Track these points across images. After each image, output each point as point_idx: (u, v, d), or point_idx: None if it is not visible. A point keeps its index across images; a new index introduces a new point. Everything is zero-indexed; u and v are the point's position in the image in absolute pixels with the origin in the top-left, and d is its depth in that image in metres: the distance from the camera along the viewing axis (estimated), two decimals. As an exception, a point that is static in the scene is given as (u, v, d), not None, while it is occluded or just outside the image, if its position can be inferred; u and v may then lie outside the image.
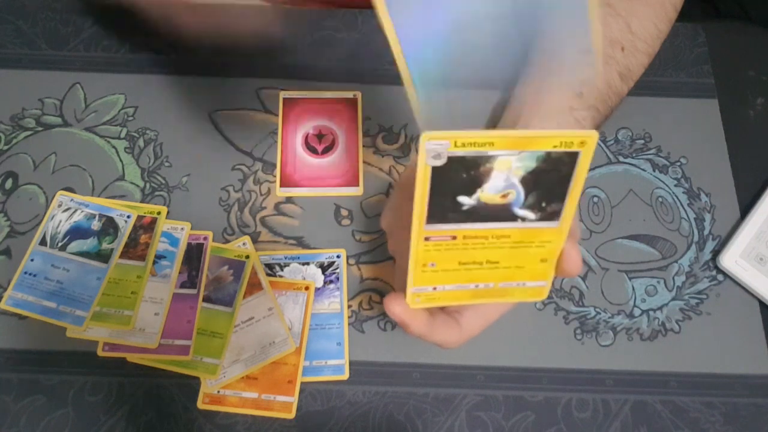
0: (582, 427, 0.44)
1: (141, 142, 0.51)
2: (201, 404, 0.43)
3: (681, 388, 0.46)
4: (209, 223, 0.49)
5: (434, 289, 0.32)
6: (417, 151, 0.41)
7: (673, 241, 0.50)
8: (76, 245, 0.47)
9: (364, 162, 0.51)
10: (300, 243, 0.49)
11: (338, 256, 0.48)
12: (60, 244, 0.47)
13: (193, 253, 0.47)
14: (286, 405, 0.44)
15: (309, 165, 0.51)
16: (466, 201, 0.29)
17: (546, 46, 0.48)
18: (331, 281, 0.47)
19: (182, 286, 0.46)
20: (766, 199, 0.50)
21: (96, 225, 0.47)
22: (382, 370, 0.45)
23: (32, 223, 0.48)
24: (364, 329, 0.46)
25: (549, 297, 0.48)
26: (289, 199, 0.50)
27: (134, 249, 0.47)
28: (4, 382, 0.44)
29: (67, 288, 0.45)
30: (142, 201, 0.49)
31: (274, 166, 0.51)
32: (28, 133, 0.51)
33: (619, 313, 0.48)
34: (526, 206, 0.29)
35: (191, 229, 0.48)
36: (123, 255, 0.46)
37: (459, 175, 0.28)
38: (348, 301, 0.47)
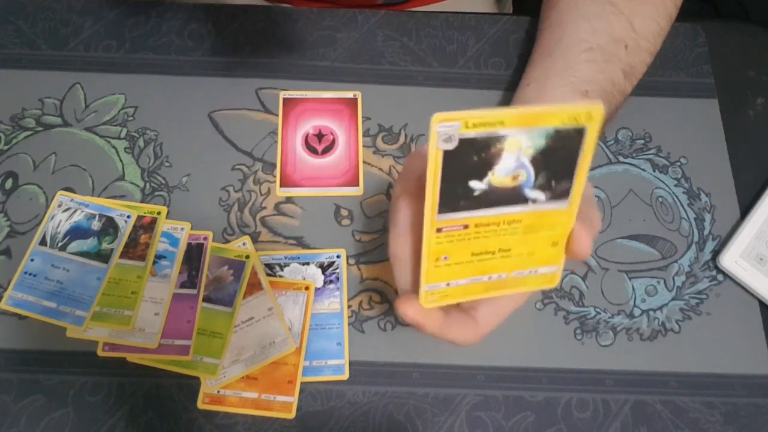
0: (582, 427, 0.44)
1: (141, 142, 0.51)
2: (201, 404, 0.43)
3: (681, 388, 0.46)
4: (209, 223, 0.49)
5: (447, 285, 0.32)
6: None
7: (673, 241, 0.50)
8: (76, 245, 0.47)
9: (364, 162, 0.51)
10: (300, 243, 0.49)
11: (338, 256, 0.48)
12: (60, 244, 0.47)
13: (193, 253, 0.47)
14: (286, 405, 0.44)
15: (309, 165, 0.51)
16: (477, 186, 0.29)
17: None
18: (331, 281, 0.47)
19: (182, 286, 0.46)
20: (766, 199, 0.50)
21: (96, 225, 0.47)
22: (382, 370, 0.45)
23: (32, 223, 0.48)
24: (364, 329, 0.46)
25: (549, 297, 0.48)
26: (289, 199, 0.50)
27: (134, 249, 0.47)
28: (4, 382, 0.44)
29: (67, 288, 0.45)
30: (142, 201, 0.49)
31: (274, 166, 0.51)
32: (28, 133, 0.51)
33: (619, 313, 0.48)
34: (537, 186, 0.30)
35: (191, 229, 0.48)
36: (123, 255, 0.46)
37: (470, 159, 0.28)
38: (348, 301, 0.47)
